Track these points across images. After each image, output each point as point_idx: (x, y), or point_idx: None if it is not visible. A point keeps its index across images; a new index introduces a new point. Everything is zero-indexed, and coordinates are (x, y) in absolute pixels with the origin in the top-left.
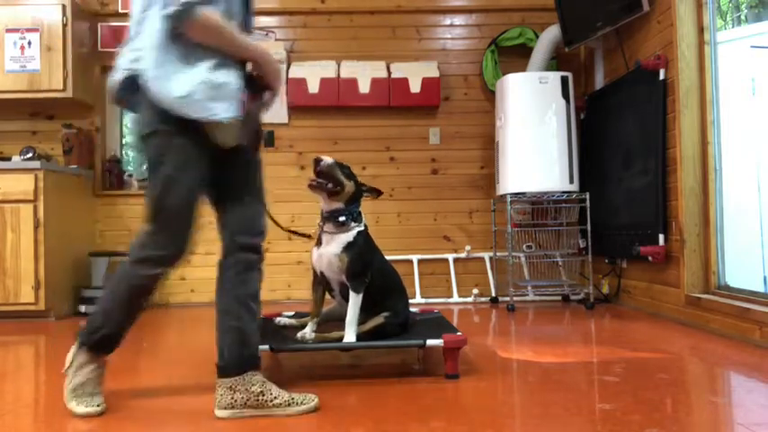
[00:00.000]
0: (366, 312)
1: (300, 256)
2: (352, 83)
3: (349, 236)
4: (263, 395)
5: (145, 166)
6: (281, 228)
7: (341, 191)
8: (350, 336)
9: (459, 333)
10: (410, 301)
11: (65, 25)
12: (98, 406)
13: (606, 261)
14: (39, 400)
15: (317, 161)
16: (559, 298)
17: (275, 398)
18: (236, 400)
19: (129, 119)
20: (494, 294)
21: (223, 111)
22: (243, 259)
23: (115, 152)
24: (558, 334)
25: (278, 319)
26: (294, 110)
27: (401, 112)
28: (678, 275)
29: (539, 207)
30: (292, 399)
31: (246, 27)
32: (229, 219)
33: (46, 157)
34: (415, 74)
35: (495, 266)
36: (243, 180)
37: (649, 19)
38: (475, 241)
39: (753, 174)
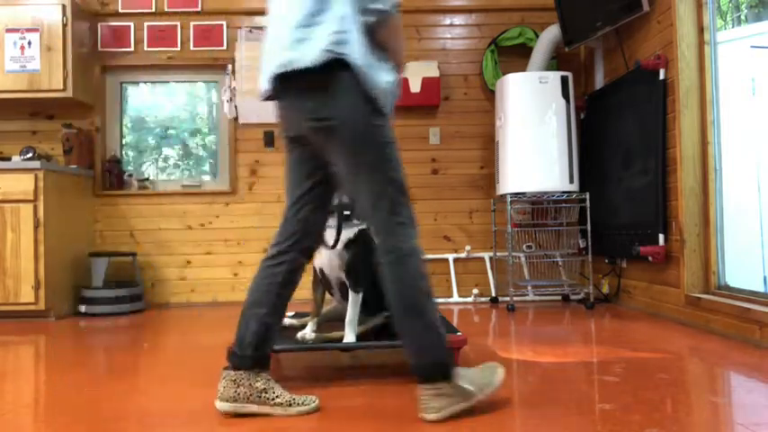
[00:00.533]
0: (366, 312)
1: None
2: None
3: (349, 233)
4: (266, 393)
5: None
6: None
7: None
8: (350, 336)
9: (459, 333)
10: None
11: (65, 25)
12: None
13: (606, 261)
14: (39, 400)
15: None
16: (559, 298)
17: (277, 397)
18: (238, 394)
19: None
20: (494, 294)
21: (389, 109)
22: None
23: (115, 152)
24: (558, 334)
25: None
26: None
27: (401, 111)
28: (678, 275)
29: (539, 207)
30: (293, 399)
31: None
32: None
33: (46, 157)
34: (415, 74)
35: (495, 266)
36: None
37: (649, 19)
38: (475, 241)
39: (753, 174)
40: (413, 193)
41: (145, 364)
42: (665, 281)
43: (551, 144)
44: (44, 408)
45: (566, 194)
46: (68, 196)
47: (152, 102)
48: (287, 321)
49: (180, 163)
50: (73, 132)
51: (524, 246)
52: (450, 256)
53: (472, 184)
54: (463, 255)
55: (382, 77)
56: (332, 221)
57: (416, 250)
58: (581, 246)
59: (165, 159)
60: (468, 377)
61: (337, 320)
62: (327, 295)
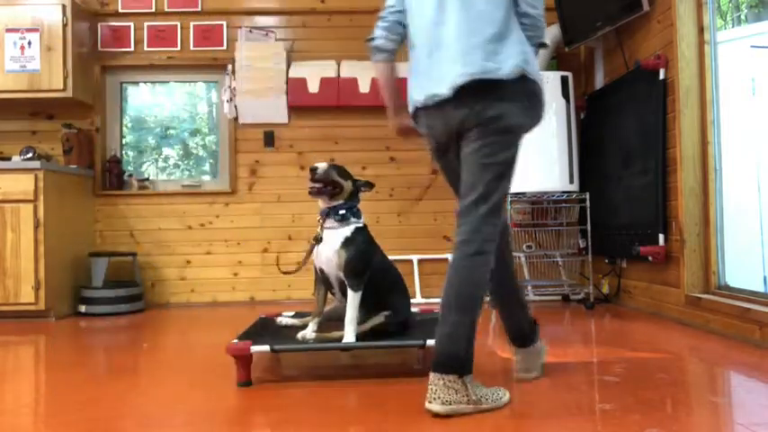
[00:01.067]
0: (367, 311)
1: (300, 257)
2: (352, 82)
3: (347, 231)
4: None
5: (499, 154)
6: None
7: (340, 192)
8: (349, 335)
9: None
10: (410, 300)
11: (65, 25)
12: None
13: (606, 261)
14: (39, 400)
15: (314, 170)
16: (559, 298)
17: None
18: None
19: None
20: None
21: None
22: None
23: (115, 152)
24: (558, 334)
25: (278, 318)
26: (294, 110)
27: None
28: (678, 275)
29: (539, 207)
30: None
31: None
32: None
33: (46, 157)
34: None
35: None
36: None
37: (649, 19)
38: None
39: (753, 174)
40: (413, 193)
41: (144, 365)
42: (665, 281)
43: (551, 144)
44: (44, 408)
45: (566, 194)
46: (68, 196)
47: (152, 102)
48: (287, 321)
49: (180, 163)
50: (73, 132)
51: (524, 246)
52: (451, 256)
53: None
54: None
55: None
56: (329, 222)
57: (491, 253)
58: (581, 246)
59: (165, 159)
60: (478, 387)
61: (339, 320)
62: (330, 295)
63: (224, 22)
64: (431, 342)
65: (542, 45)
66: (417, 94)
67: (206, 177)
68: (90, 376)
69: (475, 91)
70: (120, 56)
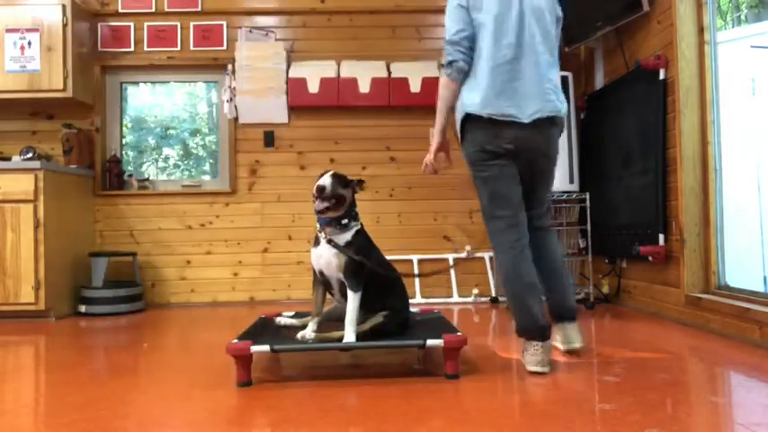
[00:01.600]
0: (366, 311)
1: (300, 256)
2: (352, 83)
3: (347, 235)
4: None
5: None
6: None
7: (344, 201)
8: (349, 335)
9: (459, 333)
10: (410, 300)
11: (65, 25)
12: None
13: (606, 261)
14: (39, 400)
15: (321, 189)
16: None
17: None
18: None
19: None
20: (494, 294)
21: None
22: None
23: (115, 152)
24: None
25: (278, 319)
26: (294, 110)
27: (401, 111)
28: (678, 275)
29: None
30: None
31: None
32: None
33: (46, 157)
34: (415, 73)
35: (496, 266)
36: None
37: (649, 19)
38: (475, 241)
39: (753, 174)
40: (413, 193)
41: (144, 365)
42: (665, 281)
43: None
44: (44, 408)
45: (566, 194)
46: (68, 196)
47: (152, 102)
48: (287, 321)
49: (180, 163)
50: (73, 132)
51: None
52: (451, 256)
53: (472, 184)
54: (463, 255)
55: None
56: (329, 229)
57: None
58: (581, 246)
59: (165, 159)
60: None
61: (338, 320)
62: (328, 295)
63: (224, 22)
64: (431, 342)
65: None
66: (513, 110)
67: (206, 177)
68: (90, 376)
69: (544, 122)
70: (120, 56)
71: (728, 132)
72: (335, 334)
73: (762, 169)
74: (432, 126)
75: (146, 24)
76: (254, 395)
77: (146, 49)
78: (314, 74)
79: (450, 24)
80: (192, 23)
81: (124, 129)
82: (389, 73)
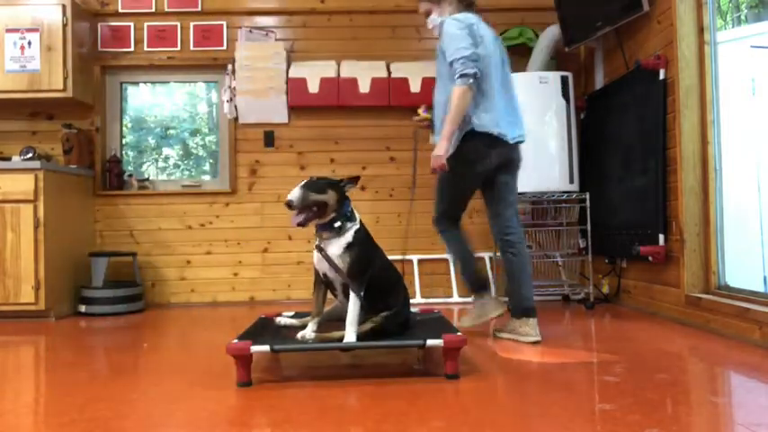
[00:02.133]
0: (367, 311)
1: (300, 256)
2: (352, 83)
3: (348, 236)
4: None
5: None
6: None
7: (326, 206)
8: (350, 336)
9: (459, 333)
10: (410, 300)
11: (65, 25)
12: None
13: (606, 261)
14: (39, 400)
15: (289, 203)
16: (559, 298)
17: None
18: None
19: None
20: (494, 294)
21: None
22: None
23: (115, 152)
24: (557, 334)
25: (278, 319)
26: (294, 110)
27: (401, 111)
28: (678, 275)
29: (539, 207)
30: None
31: None
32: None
33: (46, 157)
34: (415, 73)
35: (496, 266)
36: None
37: (649, 19)
38: (475, 241)
39: (753, 174)
40: (415, 193)
41: (144, 365)
42: (665, 281)
43: (551, 144)
44: (44, 408)
45: (566, 194)
46: (68, 196)
47: (152, 102)
48: (287, 321)
49: (180, 163)
50: (73, 132)
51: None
52: (451, 256)
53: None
54: None
55: None
56: (326, 233)
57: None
58: (581, 246)
59: (165, 159)
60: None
61: (338, 320)
62: (328, 295)
63: (224, 22)
64: (431, 342)
65: None
66: (508, 130)
67: (206, 177)
68: (90, 376)
69: (517, 144)
70: (120, 56)
71: (728, 132)
72: (336, 334)
73: (762, 169)
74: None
75: (146, 24)
76: (254, 395)
77: (146, 49)
78: (314, 74)
79: (462, 42)
80: (191, 23)
81: (124, 129)
82: (389, 73)
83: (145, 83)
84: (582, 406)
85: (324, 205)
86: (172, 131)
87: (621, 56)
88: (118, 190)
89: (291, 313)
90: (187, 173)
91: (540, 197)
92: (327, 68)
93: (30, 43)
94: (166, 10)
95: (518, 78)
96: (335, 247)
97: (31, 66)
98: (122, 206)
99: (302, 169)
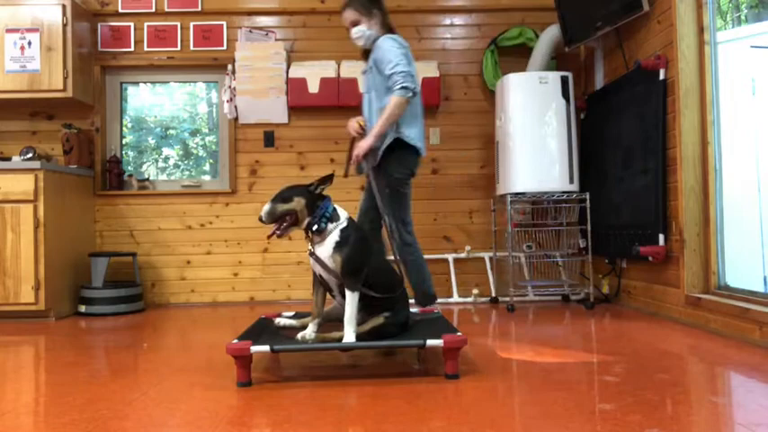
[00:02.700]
0: (366, 312)
1: (300, 257)
2: (352, 83)
3: (335, 236)
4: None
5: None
6: None
7: (296, 213)
8: (349, 335)
9: (459, 333)
10: (410, 300)
11: (65, 25)
12: None
13: (606, 261)
14: (39, 400)
15: (260, 220)
16: (559, 298)
17: None
18: None
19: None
20: (494, 294)
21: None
22: None
23: (115, 152)
24: (557, 334)
25: (278, 319)
26: (294, 110)
27: None
28: (678, 275)
29: (539, 207)
30: None
31: None
32: None
33: (46, 157)
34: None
35: (496, 266)
36: None
37: (649, 19)
38: (475, 241)
39: (753, 174)
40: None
41: (144, 365)
42: (665, 281)
43: (551, 144)
44: (44, 408)
45: (566, 194)
46: (68, 196)
47: (152, 102)
48: (287, 322)
49: (180, 163)
50: (73, 132)
51: (524, 246)
52: (450, 256)
53: (472, 184)
54: (463, 255)
55: None
56: (315, 237)
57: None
58: (581, 246)
59: (165, 159)
60: None
61: (338, 320)
62: (328, 296)
63: (224, 22)
64: (431, 342)
65: None
66: (423, 149)
67: (206, 177)
68: (90, 376)
69: None
70: (120, 56)
71: (728, 132)
72: (335, 334)
73: (762, 169)
74: (431, 126)
75: (146, 24)
76: (254, 395)
77: (146, 49)
78: (314, 74)
79: (403, 60)
80: (192, 23)
81: (124, 129)
82: None
83: (145, 83)
84: (582, 406)
85: (293, 214)
86: (172, 131)
87: (621, 56)
88: (118, 190)
89: (291, 314)
90: (187, 173)
91: (540, 197)
92: (327, 68)
93: (30, 43)
94: (166, 10)
95: (518, 78)
96: (325, 249)
97: (31, 66)
98: (122, 206)
99: (302, 169)
